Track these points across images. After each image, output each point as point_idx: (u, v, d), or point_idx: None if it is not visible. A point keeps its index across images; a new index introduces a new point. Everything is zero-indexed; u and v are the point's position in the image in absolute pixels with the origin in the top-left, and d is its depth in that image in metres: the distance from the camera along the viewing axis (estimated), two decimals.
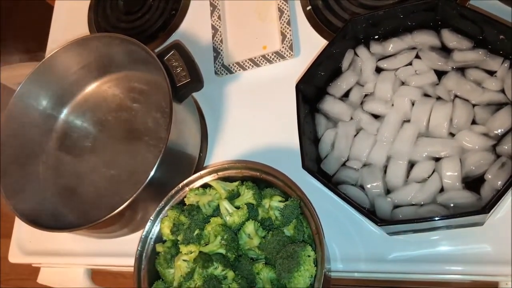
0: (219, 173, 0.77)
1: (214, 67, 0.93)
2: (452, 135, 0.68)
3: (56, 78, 0.95)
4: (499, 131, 0.66)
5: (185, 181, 0.77)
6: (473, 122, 0.68)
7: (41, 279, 0.97)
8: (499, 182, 0.62)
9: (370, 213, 0.64)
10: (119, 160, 0.90)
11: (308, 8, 0.92)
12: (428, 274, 0.71)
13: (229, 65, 0.93)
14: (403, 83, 0.74)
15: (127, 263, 0.82)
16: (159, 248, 0.75)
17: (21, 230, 1.00)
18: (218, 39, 0.96)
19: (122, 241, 0.88)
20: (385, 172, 0.70)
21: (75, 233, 0.83)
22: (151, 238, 0.76)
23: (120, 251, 0.88)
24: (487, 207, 0.58)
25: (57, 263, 0.96)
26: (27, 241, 0.99)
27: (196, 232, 0.71)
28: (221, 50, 0.94)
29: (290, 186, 0.71)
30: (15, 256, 0.99)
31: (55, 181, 0.94)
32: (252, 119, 0.89)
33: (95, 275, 0.97)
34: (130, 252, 0.76)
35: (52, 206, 0.91)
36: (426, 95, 0.72)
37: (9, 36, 1.48)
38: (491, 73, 0.69)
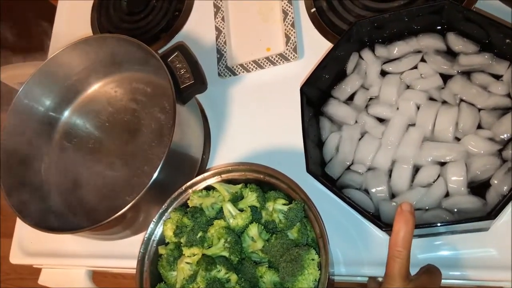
0: (222, 176, 0.76)
1: (218, 69, 0.93)
2: (457, 139, 0.68)
3: (59, 79, 0.95)
4: (505, 135, 0.65)
5: (188, 183, 0.77)
6: (479, 126, 0.67)
7: (42, 280, 0.97)
8: (505, 187, 0.62)
9: (375, 218, 0.63)
10: (121, 162, 0.90)
11: (313, 10, 0.91)
12: None
13: (232, 67, 0.92)
14: (408, 87, 0.73)
15: (129, 265, 0.82)
16: (162, 250, 0.75)
17: (23, 231, 1.00)
18: (222, 40, 0.95)
19: (124, 243, 0.88)
20: (390, 176, 0.69)
21: (77, 234, 0.83)
22: (153, 240, 0.76)
23: (122, 253, 0.88)
24: (493, 213, 0.57)
25: (58, 264, 0.96)
26: (28, 242, 0.98)
27: (199, 234, 0.71)
28: (225, 51, 0.94)
29: (294, 189, 0.71)
30: (16, 257, 0.99)
31: (57, 182, 0.94)
32: (256, 121, 0.88)
33: (96, 274, 0.97)
34: (132, 254, 0.76)
35: (54, 207, 0.91)
36: (431, 99, 0.71)
37: (11, 35, 1.48)
38: (497, 77, 0.69)
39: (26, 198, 0.87)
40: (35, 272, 0.99)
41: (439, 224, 0.60)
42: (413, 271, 0.69)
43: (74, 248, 0.93)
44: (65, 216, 0.90)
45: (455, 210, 0.64)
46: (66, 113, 0.99)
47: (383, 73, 0.76)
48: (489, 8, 0.77)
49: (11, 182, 0.86)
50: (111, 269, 0.96)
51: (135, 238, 0.87)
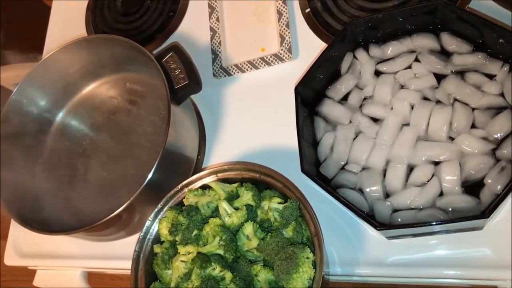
0: (218, 175, 0.76)
1: (213, 69, 0.93)
2: (451, 139, 0.68)
3: (54, 79, 0.94)
4: (499, 135, 0.66)
5: (184, 182, 0.77)
6: (473, 126, 0.68)
7: (37, 282, 0.97)
8: (499, 187, 0.62)
9: (369, 217, 0.64)
10: (116, 162, 0.90)
11: (307, 10, 0.91)
12: (427, 278, 0.71)
13: (227, 67, 0.92)
14: (402, 87, 0.74)
15: (124, 266, 0.82)
16: (157, 249, 0.75)
17: (17, 232, 0.99)
18: (217, 41, 0.95)
19: (119, 244, 0.88)
20: (384, 176, 0.69)
21: (72, 235, 0.83)
22: (149, 239, 0.76)
23: (117, 254, 0.88)
24: (487, 212, 0.58)
25: (53, 266, 0.95)
26: (23, 244, 0.98)
27: (195, 232, 0.71)
28: (220, 52, 0.94)
29: (289, 187, 0.71)
30: (11, 259, 0.98)
31: (52, 182, 0.94)
32: (251, 121, 0.88)
33: (91, 276, 0.97)
34: (127, 255, 0.76)
35: (48, 208, 0.90)
36: (425, 98, 0.72)
37: (6, 37, 1.47)
38: (491, 76, 0.69)
39: (20, 200, 0.87)
40: (30, 273, 0.98)
41: (433, 223, 0.60)
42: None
43: (69, 249, 0.93)
44: (60, 216, 0.89)
45: (450, 209, 0.64)
46: (61, 114, 0.99)
47: (377, 73, 0.76)
48: (482, 8, 0.77)
49: (5, 183, 0.86)
50: (106, 270, 0.95)
51: (130, 239, 0.87)
